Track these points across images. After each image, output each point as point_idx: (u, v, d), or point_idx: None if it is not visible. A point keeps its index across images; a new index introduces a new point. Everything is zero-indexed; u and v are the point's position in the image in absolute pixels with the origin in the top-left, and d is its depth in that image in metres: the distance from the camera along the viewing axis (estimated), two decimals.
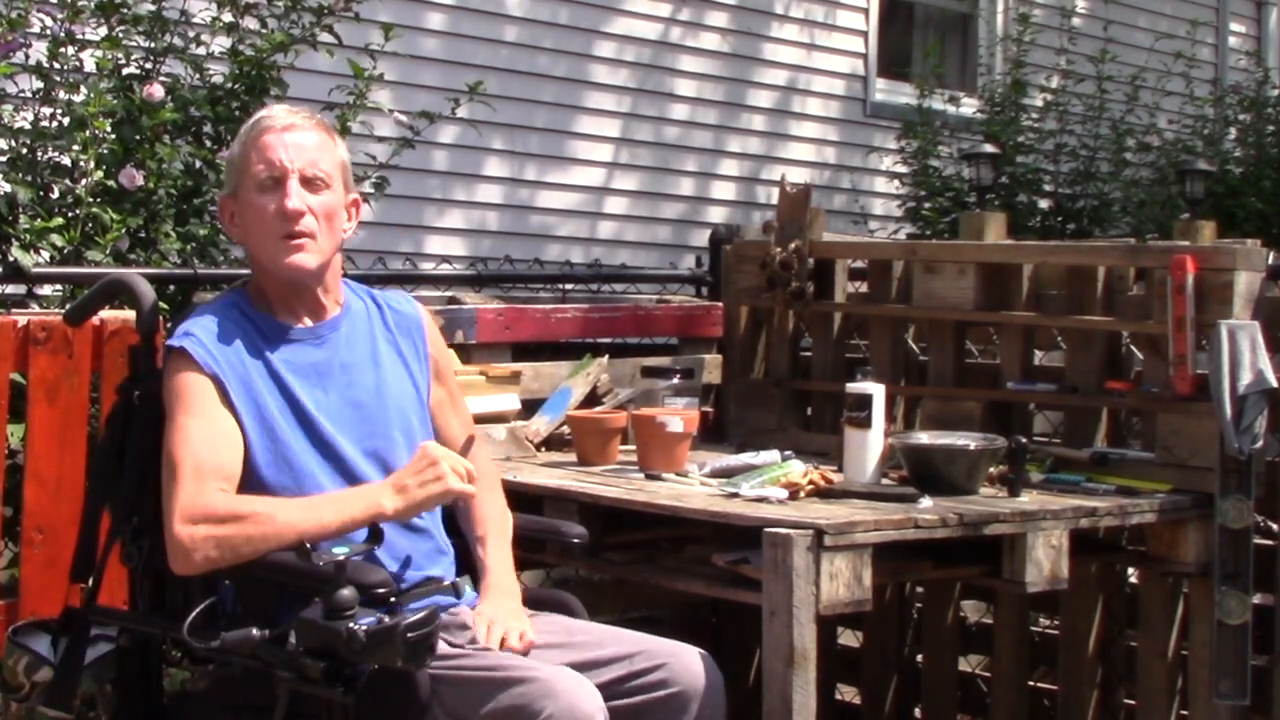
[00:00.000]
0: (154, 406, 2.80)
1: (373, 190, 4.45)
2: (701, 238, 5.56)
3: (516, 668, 2.63)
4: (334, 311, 2.88)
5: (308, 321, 2.85)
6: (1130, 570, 4.14)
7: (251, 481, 2.72)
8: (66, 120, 4.13)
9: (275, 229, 2.76)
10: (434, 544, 2.89)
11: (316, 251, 2.79)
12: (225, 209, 2.87)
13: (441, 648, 2.67)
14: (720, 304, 4.44)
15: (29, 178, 4.09)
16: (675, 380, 3.85)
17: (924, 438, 3.58)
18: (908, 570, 3.48)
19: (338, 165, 2.85)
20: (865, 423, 3.44)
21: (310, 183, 2.79)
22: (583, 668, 2.69)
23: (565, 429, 3.86)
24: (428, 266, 5.58)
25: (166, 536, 2.63)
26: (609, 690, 2.67)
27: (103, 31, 4.29)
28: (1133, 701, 4.01)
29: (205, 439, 2.68)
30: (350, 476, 2.78)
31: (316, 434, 2.78)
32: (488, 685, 2.59)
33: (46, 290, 4.03)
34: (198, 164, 4.24)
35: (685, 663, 2.79)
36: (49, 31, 4.25)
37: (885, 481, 3.47)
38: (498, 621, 2.78)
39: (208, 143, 4.40)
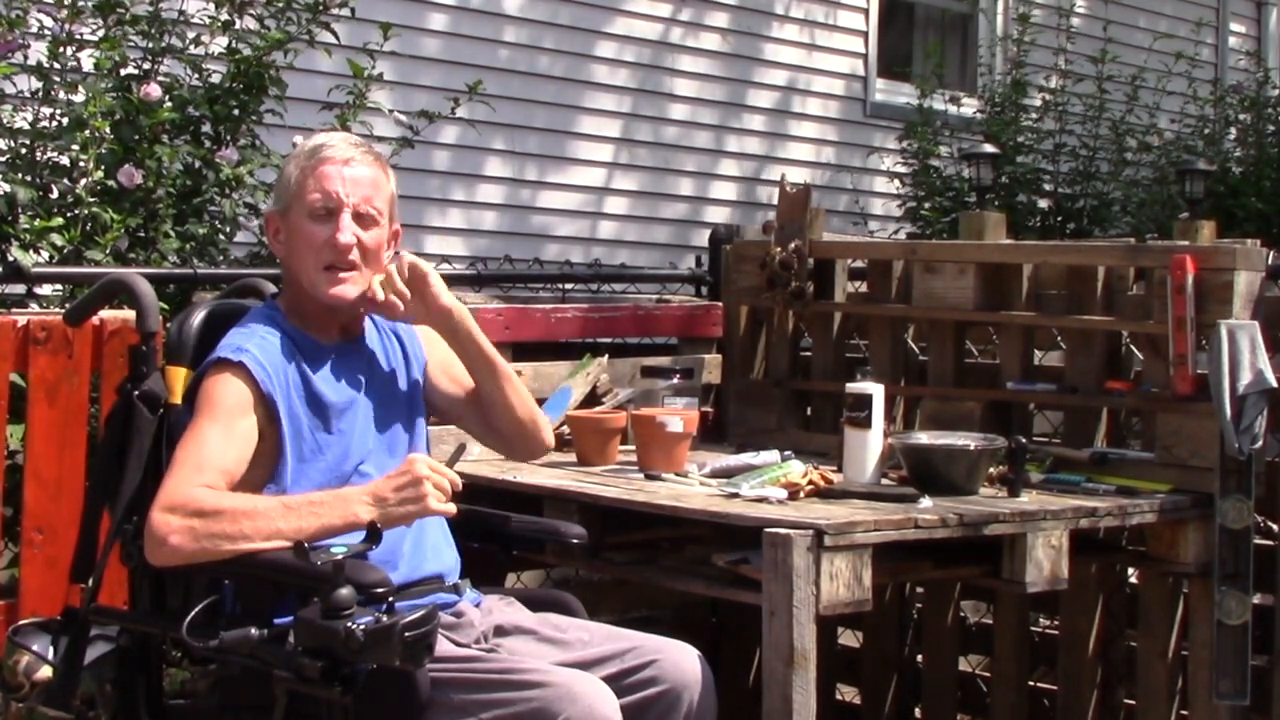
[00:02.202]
0: (154, 406, 2.81)
1: None
2: (701, 238, 5.56)
3: (532, 670, 2.64)
4: (360, 330, 2.94)
5: (341, 340, 2.90)
6: (1130, 570, 4.14)
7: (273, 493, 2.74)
8: (66, 120, 4.13)
9: (322, 258, 2.82)
10: (434, 542, 2.90)
11: (357, 284, 2.85)
12: (271, 224, 2.92)
13: (449, 649, 2.68)
14: (720, 304, 4.44)
15: (29, 178, 4.09)
16: (675, 380, 3.85)
17: (924, 438, 3.57)
18: (908, 570, 3.48)
19: (388, 200, 2.91)
20: (865, 423, 3.44)
21: (362, 218, 2.85)
22: (574, 666, 2.70)
23: (565, 429, 3.86)
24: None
25: (146, 522, 2.63)
26: None
27: (101, 32, 4.29)
28: (1133, 701, 4.00)
29: (217, 443, 2.69)
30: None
31: (344, 450, 2.82)
32: (503, 688, 2.60)
33: (46, 290, 4.03)
34: (197, 164, 4.24)
35: (674, 659, 2.80)
36: (48, 32, 4.26)
37: (885, 481, 3.46)
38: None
39: (206, 142, 4.40)
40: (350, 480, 2.79)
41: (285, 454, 2.76)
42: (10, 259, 3.85)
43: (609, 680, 2.69)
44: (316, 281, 2.83)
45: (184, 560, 2.61)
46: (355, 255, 2.83)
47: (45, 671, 2.76)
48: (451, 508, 2.68)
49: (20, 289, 3.93)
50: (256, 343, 2.78)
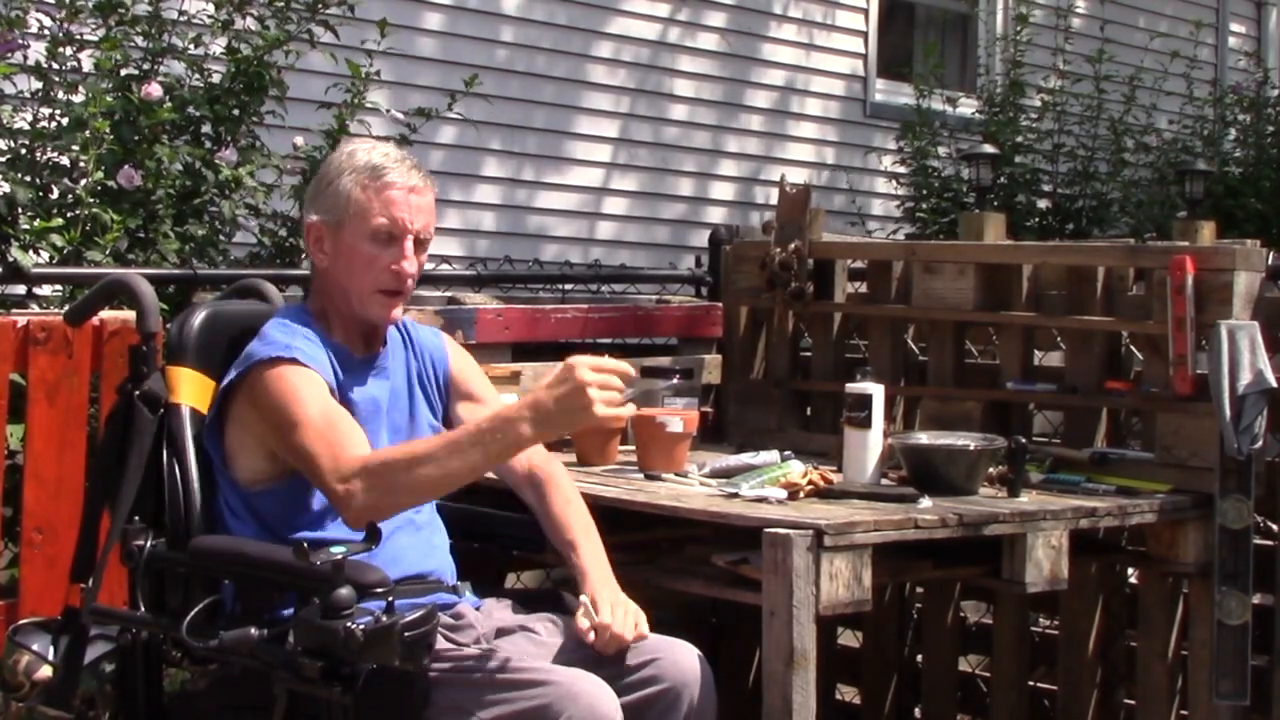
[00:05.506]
0: (155, 407, 2.81)
1: None
2: (701, 238, 5.56)
3: (534, 670, 2.64)
4: (384, 343, 2.94)
5: (367, 351, 2.90)
6: (1130, 570, 4.14)
7: (303, 495, 2.76)
8: (65, 120, 4.13)
9: (381, 281, 2.83)
10: (434, 543, 2.90)
11: (403, 304, 2.89)
12: (314, 232, 2.88)
13: (450, 649, 2.68)
14: (720, 304, 4.43)
15: (29, 178, 4.09)
16: (675, 380, 3.85)
17: (924, 438, 3.57)
18: (908, 570, 3.47)
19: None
20: (865, 423, 3.43)
21: (419, 244, 2.87)
22: (575, 666, 2.69)
23: None
24: (427, 266, 5.57)
25: (328, 496, 2.66)
26: None
27: (101, 32, 4.29)
28: (1133, 701, 4.00)
29: (335, 416, 2.71)
30: None
31: None
32: (504, 688, 2.60)
33: (46, 290, 4.03)
34: (196, 164, 4.24)
35: (675, 658, 2.81)
36: (47, 32, 4.26)
37: (885, 481, 3.46)
38: (618, 604, 2.81)
39: (206, 143, 4.40)
40: None
41: None
42: (10, 259, 3.85)
43: (609, 679, 2.69)
44: (369, 303, 2.83)
45: (376, 514, 2.59)
46: (410, 282, 2.85)
47: (45, 671, 2.76)
48: (624, 411, 2.61)
49: (20, 289, 3.93)
50: (301, 342, 2.79)
